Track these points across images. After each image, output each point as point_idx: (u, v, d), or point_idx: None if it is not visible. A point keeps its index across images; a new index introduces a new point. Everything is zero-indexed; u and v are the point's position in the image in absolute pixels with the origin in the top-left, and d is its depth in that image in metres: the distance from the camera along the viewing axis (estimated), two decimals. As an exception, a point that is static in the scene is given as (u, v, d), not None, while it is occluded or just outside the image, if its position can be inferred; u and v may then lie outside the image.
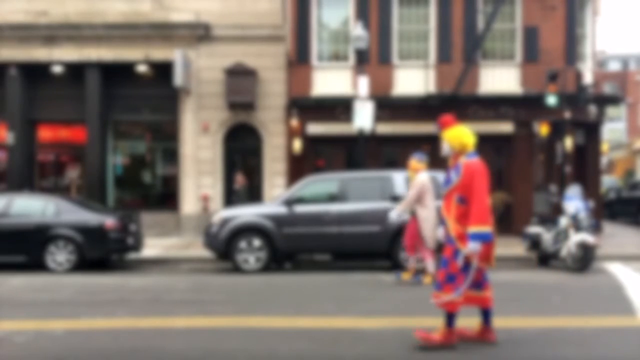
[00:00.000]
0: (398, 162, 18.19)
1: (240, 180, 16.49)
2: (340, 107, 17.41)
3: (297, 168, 17.74)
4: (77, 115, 18.30)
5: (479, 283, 5.81)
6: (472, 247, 5.51)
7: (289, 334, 6.40)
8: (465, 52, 17.64)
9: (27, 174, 18.47)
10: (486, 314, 5.92)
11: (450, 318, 5.71)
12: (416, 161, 9.97)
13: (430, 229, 9.67)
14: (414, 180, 9.89)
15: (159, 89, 18.20)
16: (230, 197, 17.35)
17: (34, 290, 9.59)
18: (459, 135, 5.78)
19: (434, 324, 6.68)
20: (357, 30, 14.91)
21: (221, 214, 12.24)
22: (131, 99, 18.49)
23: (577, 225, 11.30)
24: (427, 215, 9.72)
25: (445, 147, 5.87)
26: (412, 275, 10.05)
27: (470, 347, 5.80)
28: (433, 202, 9.76)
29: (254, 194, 18.05)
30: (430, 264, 9.76)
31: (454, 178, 5.76)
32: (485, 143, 18.04)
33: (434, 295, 5.72)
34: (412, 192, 9.78)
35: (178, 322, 6.98)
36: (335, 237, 11.60)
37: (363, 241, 11.63)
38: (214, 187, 17.97)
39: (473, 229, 5.51)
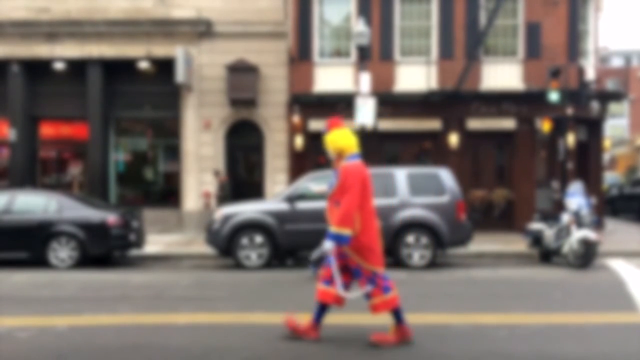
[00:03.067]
0: (400, 159, 18.22)
1: (222, 179, 16.31)
2: (342, 104, 17.39)
3: (299, 165, 17.74)
4: (78, 112, 18.32)
5: (330, 280, 5.73)
6: (326, 246, 5.50)
7: (291, 330, 6.40)
8: (467, 49, 17.61)
9: (29, 171, 18.50)
10: (323, 309, 5.83)
11: (397, 315, 5.70)
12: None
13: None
14: None
15: (161, 85, 18.20)
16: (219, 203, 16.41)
17: (37, 286, 9.61)
18: (336, 140, 5.71)
19: (439, 320, 6.69)
20: (359, 26, 14.88)
21: (223, 210, 12.24)
22: (133, 95, 18.50)
23: (579, 221, 11.30)
24: None
25: (328, 151, 5.83)
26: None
27: (471, 343, 5.81)
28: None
29: (255, 191, 18.07)
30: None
31: (333, 182, 5.73)
32: (487, 139, 18.24)
33: (373, 305, 5.68)
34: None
35: (180, 318, 7.00)
36: (337, 233, 11.59)
37: (365, 238, 11.62)
38: (215, 184, 17.96)
39: (333, 229, 5.48)
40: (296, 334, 5.92)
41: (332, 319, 6.94)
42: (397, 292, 5.69)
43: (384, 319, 6.66)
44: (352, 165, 5.63)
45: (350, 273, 5.75)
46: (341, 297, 5.70)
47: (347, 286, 5.79)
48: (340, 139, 5.71)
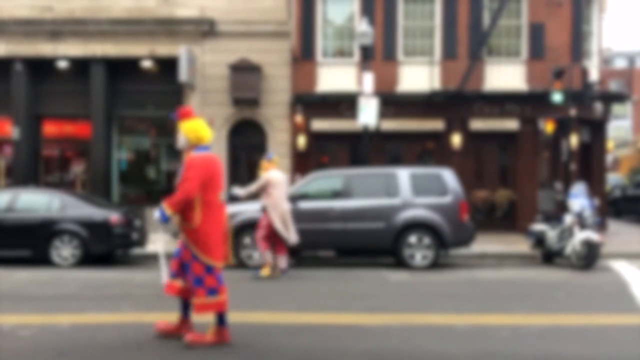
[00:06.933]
0: (402, 159, 18.21)
1: None
2: (344, 104, 17.40)
3: (302, 164, 17.75)
4: (82, 111, 18.34)
5: (177, 273, 5.81)
6: (155, 215, 5.61)
7: (292, 329, 6.40)
8: (471, 49, 17.59)
9: (32, 169, 18.53)
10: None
11: (219, 317, 5.69)
12: (266, 161, 10.51)
13: (278, 222, 10.12)
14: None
15: (164, 84, 18.22)
16: None
17: (39, 284, 9.62)
18: (196, 128, 5.75)
19: (441, 320, 6.67)
20: (362, 26, 14.87)
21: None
22: (136, 94, 18.51)
23: (581, 222, 11.29)
24: (273, 208, 10.16)
25: (182, 140, 5.82)
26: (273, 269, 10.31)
27: (473, 344, 5.80)
28: (282, 198, 10.21)
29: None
30: (282, 259, 10.31)
31: (180, 172, 5.75)
32: (490, 140, 18.23)
33: (194, 305, 5.65)
34: (255, 185, 10.39)
35: (182, 317, 6.99)
36: (339, 233, 11.61)
37: (367, 238, 11.63)
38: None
39: (164, 205, 5.57)
40: (169, 333, 5.98)
41: (335, 318, 6.93)
42: (225, 296, 5.66)
43: (388, 317, 6.64)
44: (199, 156, 5.68)
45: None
46: (184, 288, 5.75)
47: (175, 274, 5.83)
48: (200, 129, 5.77)
